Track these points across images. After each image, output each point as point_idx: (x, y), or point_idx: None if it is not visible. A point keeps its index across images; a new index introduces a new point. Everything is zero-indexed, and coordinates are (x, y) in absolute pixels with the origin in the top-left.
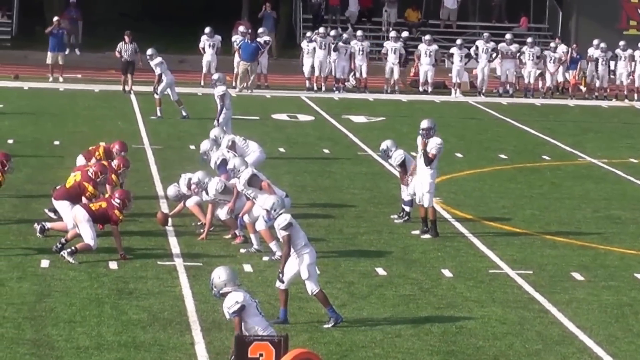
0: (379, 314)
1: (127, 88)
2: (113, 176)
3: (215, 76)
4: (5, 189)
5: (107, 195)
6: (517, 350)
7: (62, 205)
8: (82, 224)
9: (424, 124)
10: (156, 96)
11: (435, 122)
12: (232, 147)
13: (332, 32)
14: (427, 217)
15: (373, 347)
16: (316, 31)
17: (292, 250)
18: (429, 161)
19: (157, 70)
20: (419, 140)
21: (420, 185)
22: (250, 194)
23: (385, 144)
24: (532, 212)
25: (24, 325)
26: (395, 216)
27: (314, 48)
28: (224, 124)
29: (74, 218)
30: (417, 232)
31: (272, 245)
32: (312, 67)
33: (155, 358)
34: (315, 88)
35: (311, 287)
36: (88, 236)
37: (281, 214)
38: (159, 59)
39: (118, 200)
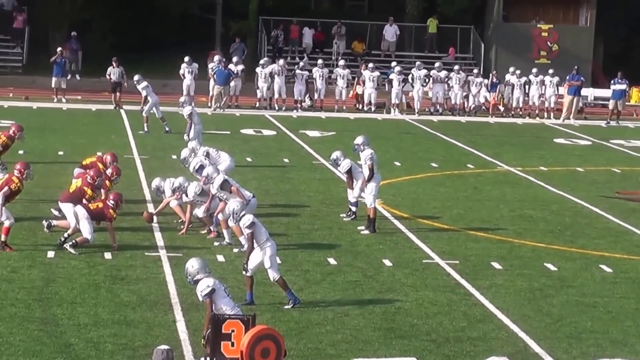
0: (330, 297)
1: (117, 105)
2: (107, 182)
3: (182, 99)
4: None
5: (102, 197)
6: (445, 327)
7: (66, 207)
8: (82, 221)
9: (356, 139)
10: (143, 114)
11: (366, 138)
12: (207, 157)
13: (281, 61)
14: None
15: (325, 325)
16: (265, 60)
17: (255, 244)
18: (370, 176)
19: (144, 93)
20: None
21: (366, 189)
22: (222, 196)
23: (335, 154)
24: (458, 212)
25: (33, 306)
26: (344, 215)
27: (265, 74)
28: (195, 137)
29: (75, 216)
30: (363, 228)
31: (241, 239)
32: (266, 89)
33: (143, 333)
34: (277, 108)
35: (273, 275)
36: (86, 231)
37: (244, 215)
38: (144, 83)
39: (112, 202)
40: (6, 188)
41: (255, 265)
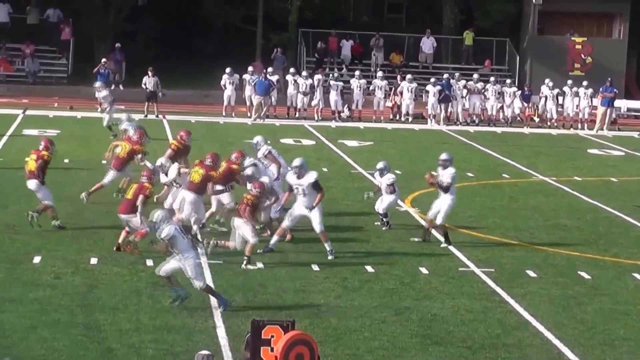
0: (368, 304)
1: (151, 114)
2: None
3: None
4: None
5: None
6: (481, 334)
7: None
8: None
9: (442, 155)
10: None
11: (451, 155)
12: (268, 155)
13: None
14: (429, 229)
15: (363, 332)
16: (293, 71)
17: (175, 251)
18: (444, 189)
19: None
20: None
21: (438, 204)
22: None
23: (383, 163)
24: (493, 221)
25: (77, 312)
26: (378, 224)
27: (306, 85)
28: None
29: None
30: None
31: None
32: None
33: (184, 339)
34: (316, 118)
35: (198, 284)
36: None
37: (165, 226)
38: (104, 92)
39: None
40: (142, 196)
41: (170, 270)
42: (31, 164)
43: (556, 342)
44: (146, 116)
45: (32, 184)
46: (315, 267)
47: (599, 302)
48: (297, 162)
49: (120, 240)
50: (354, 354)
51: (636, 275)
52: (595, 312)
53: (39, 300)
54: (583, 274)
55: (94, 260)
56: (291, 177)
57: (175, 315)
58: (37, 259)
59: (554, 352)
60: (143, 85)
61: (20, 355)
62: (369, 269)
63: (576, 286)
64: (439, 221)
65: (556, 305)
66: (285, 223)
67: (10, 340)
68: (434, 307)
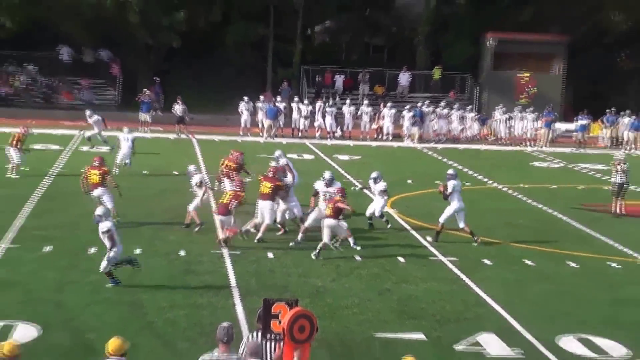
0: (357, 286)
1: (182, 135)
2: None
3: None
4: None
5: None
6: (447, 310)
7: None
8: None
9: (450, 170)
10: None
11: (454, 171)
12: (286, 166)
13: (311, 102)
14: (440, 231)
15: (352, 308)
16: (296, 100)
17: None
18: (444, 197)
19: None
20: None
21: (446, 209)
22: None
23: (377, 173)
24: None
25: (123, 292)
26: (390, 225)
27: (307, 111)
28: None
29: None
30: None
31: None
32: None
33: (210, 314)
34: (315, 137)
35: (103, 266)
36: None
37: (105, 221)
38: (95, 117)
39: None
40: (235, 202)
41: (108, 264)
42: (94, 177)
43: (507, 316)
44: (179, 136)
45: (98, 191)
46: (314, 256)
47: (542, 285)
48: (327, 174)
49: (221, 236)
50: (345, 326)
51: (571, 263)
52: (538, 292)
53: (93, 283)
54: (529, 262)
55: (137, 251)
56: (320, 185)
57: (202, 295)
58: (92, 250)
59: (505, 325)
60: (173, 111)
61: (79, 326)
62: (358, 258)
63: (524, 272)
64: (440, 220)
65: (507, 287)
66: (308, 222)
67: (70, 314)
68: (409, 288)
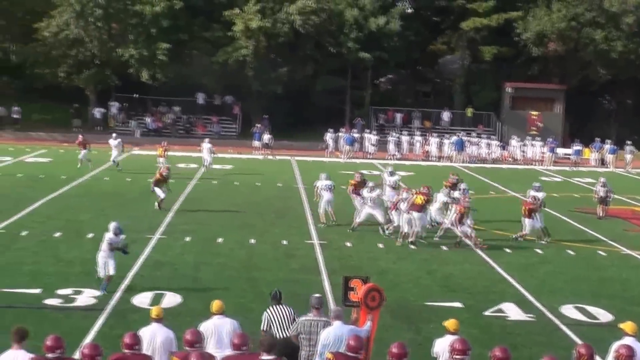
0: (411, 267)
1: (269, 157)
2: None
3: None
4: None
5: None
6: (478, 285)
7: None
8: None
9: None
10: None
11: (540, 186)
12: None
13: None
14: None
15: (408, 283)
16: (367, 131)
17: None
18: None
19: (115, 149)
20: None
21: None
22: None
23: (391, 168)
24: (485, 219)
25: (241, 270)
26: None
27: (376, 140)
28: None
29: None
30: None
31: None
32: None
33: (305, 288)
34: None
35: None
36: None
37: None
38: (117, 141)
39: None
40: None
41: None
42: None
43: (522, 290)
44: (265, 157)
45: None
46: (380, 245)
47: (547, 267)
48: (389, 168)
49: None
50: (403, 297)
51: (569, 251)
52: (544, 273)
53: (221, 264)
54: (538, 250)
55: (252, 241)
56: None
57: (299, 273)
58: (220, 240)
59: (521, 296)
60: (262, 140)
61: (211, 296)
62: (412, 247)
63: (534, 257)
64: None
65: (522, 269)
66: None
67: (204, 286)
68: (449, 269)
